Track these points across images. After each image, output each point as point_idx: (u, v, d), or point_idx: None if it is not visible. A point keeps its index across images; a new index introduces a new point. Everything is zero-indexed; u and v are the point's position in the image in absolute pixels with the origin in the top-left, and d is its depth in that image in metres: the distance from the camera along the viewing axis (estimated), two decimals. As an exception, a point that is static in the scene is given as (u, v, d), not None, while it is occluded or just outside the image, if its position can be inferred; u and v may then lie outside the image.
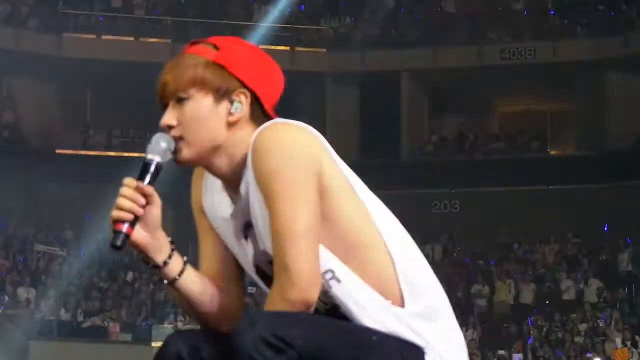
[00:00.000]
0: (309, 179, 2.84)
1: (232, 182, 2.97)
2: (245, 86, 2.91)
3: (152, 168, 2.82)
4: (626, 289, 28.00)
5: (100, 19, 31.86)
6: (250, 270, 3.06)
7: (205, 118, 2.90)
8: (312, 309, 2.86)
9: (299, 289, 2.80)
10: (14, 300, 27.38)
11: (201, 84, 2.88)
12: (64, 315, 27.39)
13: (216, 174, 2.98)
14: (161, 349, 2.99)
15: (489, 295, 28.90)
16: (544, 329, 27.14)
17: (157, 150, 2.83)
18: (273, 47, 28.05)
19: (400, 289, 2.94)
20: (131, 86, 24.16)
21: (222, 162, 2.95)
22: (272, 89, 2.99)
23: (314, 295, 2.82)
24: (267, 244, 2.89)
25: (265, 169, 2.82)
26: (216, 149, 2.92)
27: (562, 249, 30.06)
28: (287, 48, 30.48)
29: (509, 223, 29.59)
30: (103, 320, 27.54)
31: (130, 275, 29.30)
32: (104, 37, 31.09)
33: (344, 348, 2.86)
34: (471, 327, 26.43)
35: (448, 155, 32.12)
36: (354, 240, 2.93)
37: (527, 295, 28.67)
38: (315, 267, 2.83)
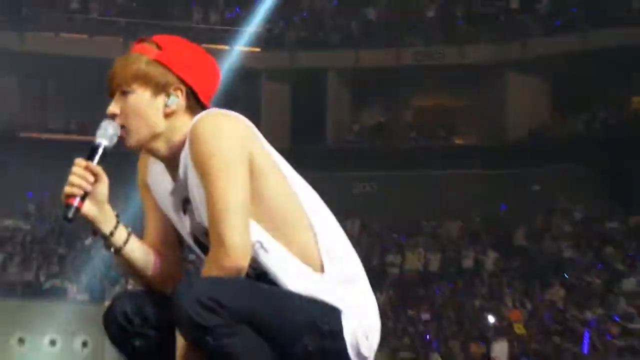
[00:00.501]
0: (241, 161, 2.89)
1: (172, 164, 3.04)
2: (182, 81, 2.99)
3: (100, 150, 2.92)
4: (519, 260, 27.99)
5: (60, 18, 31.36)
6: (188, 239, 3.13)
7: (144, 110, 2.96)
8: (243, 275, 2.89)
9: (232, 258, 2.83)
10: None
11: (142, 80, 2.96)
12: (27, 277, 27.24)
13: (157, 157, 3.07)
14: (109, 307, 3.07)
15: (400, 263, 28.81)
16: (448, 293, 27.12)
17: (105, 135, 2.93)
18: (214, 46, 27.83)
19: (320, 258, 3.00)
20: (86, 79, 23.74)
21: (162, 147, 3.01)
22: (208, 84, 3.06)
23: (244, 264, 2.87)
24: (203, 217, 2.95)
25: (202, 152, 2.88)
26: (156, 136, 2.99)
27: (465, 226, 30.02)
28: (226, 47, 30.14)
29: (420, 202, 29.46)
30: (62, 282, 27.34)
31: (88, 241, 29.10)
32: (62, 35, 30.72)
33: (270, 310, 2.90)
34: (385, 291, 26.31)
35: (367, 143, 31.91)
36: (281, 215, 2.99)
37: (434, 264, 28.65)
38: (247, 239, 2.87)
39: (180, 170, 3.01)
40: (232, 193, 2.86)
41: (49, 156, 26.59)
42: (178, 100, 2.98)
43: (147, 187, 3.18)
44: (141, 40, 3.08)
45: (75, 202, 2.88)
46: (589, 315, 23.71)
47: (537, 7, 31.51)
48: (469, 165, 29.78)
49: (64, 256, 28.44)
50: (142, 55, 2.99)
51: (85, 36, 30.77)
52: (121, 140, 2.96)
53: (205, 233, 2.97)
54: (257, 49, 31.30)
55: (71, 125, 30.65)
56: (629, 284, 24.59)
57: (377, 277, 26.62)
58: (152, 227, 3.17)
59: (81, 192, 2.87)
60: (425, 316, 26.22)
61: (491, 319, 24.23)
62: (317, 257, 3.00)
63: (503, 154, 29.85)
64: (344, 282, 3.01)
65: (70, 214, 2.88)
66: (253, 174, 2.93)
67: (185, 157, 2.96)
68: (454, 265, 28.63)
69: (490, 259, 28.16)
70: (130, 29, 30.56)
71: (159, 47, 3.01)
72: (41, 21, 30.96)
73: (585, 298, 24.75)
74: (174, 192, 3.07)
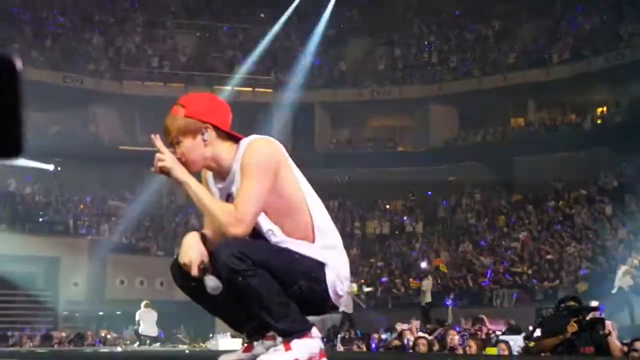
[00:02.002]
0: (270, 170, 2.91)
1: (219, 174, 3.07)
2: (207, 123, 2.99)
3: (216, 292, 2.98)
4: (441, 226, 28.02)
5: (145, 72, 30.86)
6: None
7: (192, 149, 2.99)
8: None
9: (237, 225, 2.86)
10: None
11: (183, 132, 2.98)
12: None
13: (210, 170, 3.11)
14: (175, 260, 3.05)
15: (363, 229, 28.80)
16: (395, 248, 27.15)
17: (212, 289, 2.97)
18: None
19: (314, 234, 3.04)
20: (161, 112, 23.52)
21: (212, 164, 3.04)
22: (223, 118, 3.05)
23: (247, 232, 2.89)
24: None
25: (248, 161, 2.92)
26: (206, 159, 3.01)
27: (405, 204, 30.00)
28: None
29: (376, 189, 29.41)
30: (147, 242, 27.12)
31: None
32: (146, 83, 30.09)
33: (280, 261, 2.93)
34: (353, 248, 26.28)
35: (342, 150, 31.70)
36: (291, 203, 3.01)
37: (385, 229, 28.66)
38: (254, 219, 2.91)
39: (231, 174, 3.01)
40: (256, 187, 2.88)
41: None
42: (209, 134, 2.99)
43: (206, 181, 3.16)
44: (174, 104, 3.06)
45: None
46: (487, 261, 23.81)
47: (449, 61, 31.42)
48: (408, 164, 29.57)
49: (148, 226, 28.25)
50: (177, 115, 3.00)
51: (161, 84, 30.15)
52: (187, 168, 2.99)
53: None
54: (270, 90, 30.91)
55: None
56: (512, 241, 24.67)
57: (348, 239, 26.69)
58: None
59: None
60: (380, 264, 26.28)
61: (423, 264, 24.28)
62: (311, 232, 3.04)
63: (429, 157, 29.66)
64: (327, 248, 3.05)
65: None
66: (276, 177, 2.94)
67: (237, 165, 2.97)
68: (399, 230, 28.65)
69: (422, 225, 28.17)
70: (189, 78, 30.21)
71: (183, 106, 3.01)
72: (133, 73, 30.47)
73: (485, 250, 24.84)
74: (221, 190, 3.07)
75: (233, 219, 2.85)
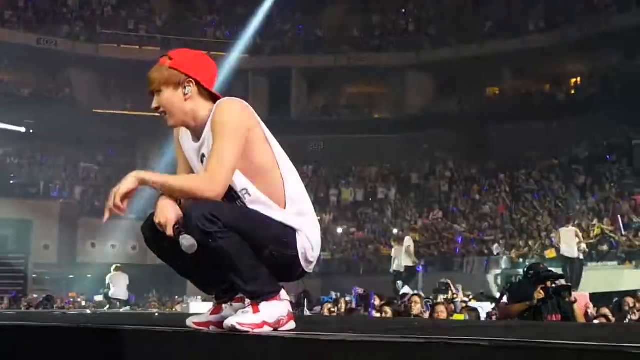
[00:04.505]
0: (241, 131, 2.88)
1: (196, 131, 3.04)
2: (190, 77, 2.98)
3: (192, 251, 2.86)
4: (414, 194, 27.82)
5: (121, 35, 30.17)
6: None
7: (172, 101, 2.97)
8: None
9: (212, 187, 2.84)
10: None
11: (166, 82, 2.97)
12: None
13: (187, 127, 3.07)
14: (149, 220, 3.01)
15: (338, 195, 28.56)
16: (369, 214, 26.97)
17: (186, 249, 2.84)
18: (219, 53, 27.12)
19: (285, 199, 3.00)
20: (137, 75, 23.00)
21: (190, 121, 3.01)
22: (208, 76, 3.03)
23: (222, 192, 2.88)
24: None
25: (219, 122, 2.89)
26: (185, 114, 2.98)
27: (379, 171, 29.72)
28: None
29: (351, 155, 29.28)
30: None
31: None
32: (122, 46, 29.47)
33: (251, 225, 2.91)
34: (328, 213, 26.05)
35: (317, 116, 31.42)
36: (262, 169, 2.97)
37: (359, 195, 28.46)
38: (228, 179, 2.89)
39: (204, 135, 2.98)
40: (228, 147, 2.86)
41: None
42: (190, 88, 2.99)
43: (179, 144, 3.16)
44: (162, 56, 3.06)
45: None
46: (459, 228, 23.68)
47: (426, 29, 31.00)
48: (384, 131, 29.35)
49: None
50: (162, 66, 3.00)
51: (137, 47, 29.46)
52: (164, 121, 3.01)
53: None
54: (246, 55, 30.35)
55: (127, 105, 29.50)
56: (485, 209, 24.52)
57: (323, 204, 26.47)
58: (181, 168, 3.16)
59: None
60: (353, 229, 26.11)
61: (395, 230, 24.08)
62: (282, 198, 3.00)
63: (404, 124, 29.37)
64: (299, 215, 3.02)
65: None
66: (248, 141, 2.92)
67: (208, 125, 2.94)
68: (372, 197, 28.41)
69: (395, 192, 27.96)
70: (165, 42, 29.42)
71: (170, 58, 3.02)
72: (109, 36, 29.70)
73: (457, 217, 24.69)
74: (196, 149, 3.05)
75: (207, 181, 2.84)
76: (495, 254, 21.25)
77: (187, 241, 2.82)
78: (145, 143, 28.08)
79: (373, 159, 29.50)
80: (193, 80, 2.98)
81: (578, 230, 16.83)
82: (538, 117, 26.84)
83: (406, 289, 14.72)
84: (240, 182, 2.95)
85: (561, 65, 28.47)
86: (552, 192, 23.55)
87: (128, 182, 2.89)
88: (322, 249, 3.05)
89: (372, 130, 29.45)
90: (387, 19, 32.19)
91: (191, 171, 3.11)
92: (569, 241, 15.88)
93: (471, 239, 22.80)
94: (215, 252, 2.83)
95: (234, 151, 2.87)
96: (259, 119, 2.99)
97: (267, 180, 2.99)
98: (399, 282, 16.14)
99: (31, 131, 27.11)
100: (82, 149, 28.44)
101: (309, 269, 3.09)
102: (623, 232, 18.76)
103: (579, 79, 28.58)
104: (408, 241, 16.93)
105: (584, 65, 28.26)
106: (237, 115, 2.91)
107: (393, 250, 18.67)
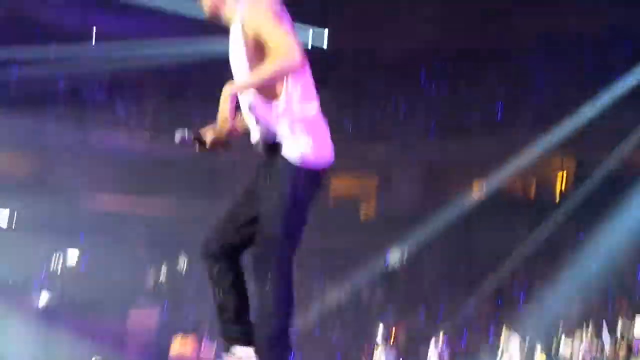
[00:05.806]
0: (278, 14, 2.91)
1: (217, 19, 3.09)
2: None
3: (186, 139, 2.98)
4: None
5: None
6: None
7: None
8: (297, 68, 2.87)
9: (293, 52, 2.81)
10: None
11: None
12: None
13: (214, 16, 3.09)
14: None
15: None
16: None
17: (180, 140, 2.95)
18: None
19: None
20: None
21: (225, 13, 3.03)
22: None
23: (301, 55, 2.84)
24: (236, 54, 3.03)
25: (255, 14, 2.93)
26: (220, 9, 3.02)
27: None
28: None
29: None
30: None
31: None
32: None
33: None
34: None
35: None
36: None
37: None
38: (296, 42, 2.86)
39: (241, 60, 2.99)
40: (276, 23, 2.88)
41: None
42: None
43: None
44: None
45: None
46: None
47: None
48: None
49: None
50: None
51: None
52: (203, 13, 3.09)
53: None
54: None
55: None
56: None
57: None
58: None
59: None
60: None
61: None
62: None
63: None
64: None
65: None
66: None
67: (238, 31, 2.97)
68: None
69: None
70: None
71: None
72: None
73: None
74: (245, 101, 3.02)
75: (282, 54, 2.81)
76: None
77: (179, 134, 2.94)
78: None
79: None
80: None
81: None
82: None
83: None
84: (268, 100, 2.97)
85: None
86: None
87: (224, 101, 2.90)
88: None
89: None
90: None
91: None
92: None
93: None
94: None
95: (282, 23, 2.91)
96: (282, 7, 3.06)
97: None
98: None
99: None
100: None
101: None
102: None
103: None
104: None
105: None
106: (267, 2, 2.96)
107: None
